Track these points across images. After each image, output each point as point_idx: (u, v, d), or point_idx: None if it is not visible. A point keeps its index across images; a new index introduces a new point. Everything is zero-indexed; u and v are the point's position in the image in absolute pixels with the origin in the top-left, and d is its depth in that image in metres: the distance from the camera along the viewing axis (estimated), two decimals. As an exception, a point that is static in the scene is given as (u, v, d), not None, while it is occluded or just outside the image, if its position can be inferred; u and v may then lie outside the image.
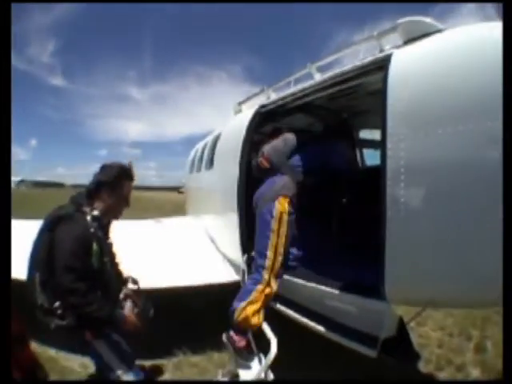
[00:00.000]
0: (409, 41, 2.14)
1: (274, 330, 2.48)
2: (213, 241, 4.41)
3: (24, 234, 4.63)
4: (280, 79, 3.59)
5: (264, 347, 2.42)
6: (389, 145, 1.95)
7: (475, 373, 3.24)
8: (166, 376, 3.15)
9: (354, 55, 2.60)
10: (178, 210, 8.29)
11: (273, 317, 2.68)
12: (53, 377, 3.05)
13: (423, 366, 3.23)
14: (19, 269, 3.34)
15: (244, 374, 2.35)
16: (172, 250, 3.94)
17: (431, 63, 1.94)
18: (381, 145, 2.02)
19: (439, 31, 2.03)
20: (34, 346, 3.41)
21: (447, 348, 3.66)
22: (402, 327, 2.29)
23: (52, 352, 3.44)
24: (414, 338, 2.86)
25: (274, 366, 2.33)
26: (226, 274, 3.56)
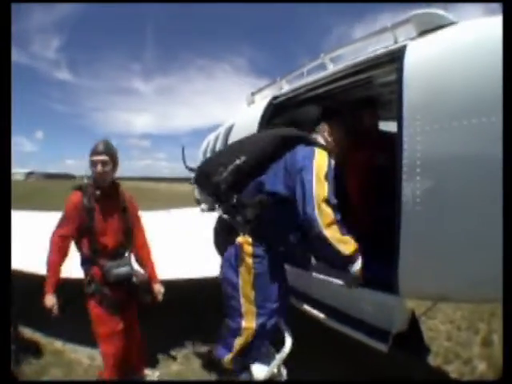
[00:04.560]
0: (423, 32, 2.10)
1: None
2: None
3: (33, 225, 4.64)
4: (285, 71, 3.57)
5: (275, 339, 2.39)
6: (405, 137, 1.93)
7: (481, 366, 3.24)
8: (176, 368, 3.17)
9: (368, 47, 2.56)
10: (190, 200, 8.22)
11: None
12: (60, 369, 3.07)
13: (432, 360, 3.23)
14: (29, 260, 3.35)
15: (256, 368, 2.34)
16: (183, 242, 3.91)
17: (447, 55, 1.90)
18: (397, 137, 1.98)
19: (453, 23, 2.00)
20: (39, 338, 3.52)
21: (455, 341, 3.67)
22: (414, 321, 2.28)
23: (58, 344, 3.47)
24: (424, 331, 2.85)
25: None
26: None
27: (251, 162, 2.18)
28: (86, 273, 2.51)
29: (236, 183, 2.18)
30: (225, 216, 2.37)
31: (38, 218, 5.65)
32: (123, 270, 2.49)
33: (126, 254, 2.62)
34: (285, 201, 2.08)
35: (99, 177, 2.47)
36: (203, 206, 5.65)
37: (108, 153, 2.49)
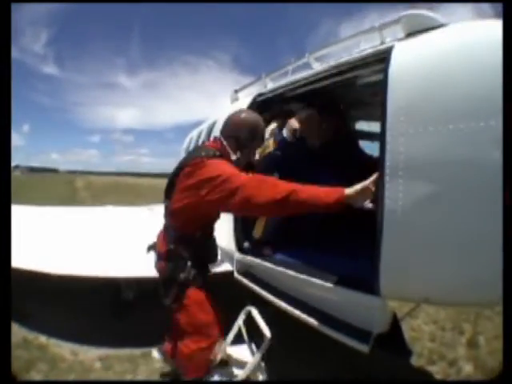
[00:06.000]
0: (411, 34, 2.08)
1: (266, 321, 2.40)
2: None
3: (22, 219, 4.57)
4: (268, 68, 3.56)
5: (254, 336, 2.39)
6: (388, 139, 1.91)
7: (467, 368, 3.25)
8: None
9: (355, 46, 2.53)
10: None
11: (265, 308, 2.61)
12: (43, 364, 3.07)
13: (415, 360, 3.23)
14: (22, 255, 3.29)
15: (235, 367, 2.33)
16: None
17: (434, 57, 1.88)
18: (380, 138, 1.97)
19: (442, 26, 1.97)
20: (25, 332, 3.51)
21: (439, 342, 3.68)
22: (395, 322, 2.28)
23: (43, 339, 3.46)
24: (407, 332, 2.85)
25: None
26: (218, 264, 3.47)
27: None
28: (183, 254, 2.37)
29: None
30: None
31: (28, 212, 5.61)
32: None
33: None
34: None
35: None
36: None
37: None
